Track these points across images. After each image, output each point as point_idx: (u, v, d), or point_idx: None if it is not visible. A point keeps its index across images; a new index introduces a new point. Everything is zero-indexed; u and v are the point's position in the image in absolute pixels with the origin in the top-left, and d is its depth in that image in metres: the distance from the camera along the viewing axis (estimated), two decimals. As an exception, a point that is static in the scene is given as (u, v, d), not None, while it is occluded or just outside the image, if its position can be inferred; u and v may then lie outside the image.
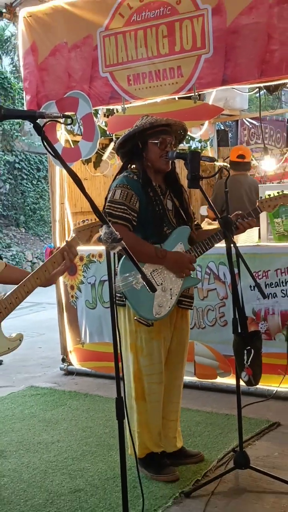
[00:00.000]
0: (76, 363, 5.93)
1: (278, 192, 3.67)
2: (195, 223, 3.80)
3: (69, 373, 5.93)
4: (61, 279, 5.82)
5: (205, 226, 5.46)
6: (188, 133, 6.28)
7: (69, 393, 5.36)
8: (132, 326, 3.56)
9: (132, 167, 3.66)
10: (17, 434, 4.47)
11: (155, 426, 3.64)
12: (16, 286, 2.56)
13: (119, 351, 2.58)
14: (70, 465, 3.90)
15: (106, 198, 3.57)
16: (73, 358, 5.95)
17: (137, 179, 3.53)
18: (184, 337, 3.78)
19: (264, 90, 5.23)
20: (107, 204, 3.46)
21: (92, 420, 4.65)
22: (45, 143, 2.50)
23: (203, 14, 4.66)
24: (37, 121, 2.46)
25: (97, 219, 2.74)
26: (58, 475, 3.76)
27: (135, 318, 3.50)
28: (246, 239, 5.03)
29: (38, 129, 2.46)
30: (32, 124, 2.50)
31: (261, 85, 4.87)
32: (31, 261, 15.45)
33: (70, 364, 5.95)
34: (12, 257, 14.97)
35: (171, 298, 3.50)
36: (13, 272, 2.62)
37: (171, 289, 3.49)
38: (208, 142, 7.04)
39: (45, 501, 3.44)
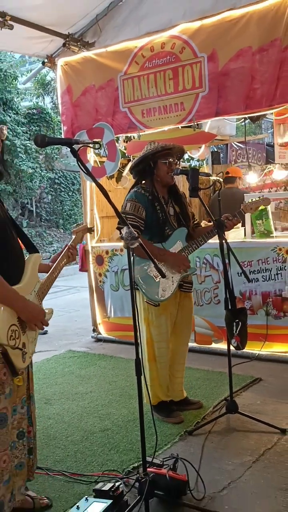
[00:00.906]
0: (103, 333, 5.93)
1: (259, 197, 3.68)
2: (195, 222, 3.79)
3: (98, 340, 5.93)
4: (92, 268, 5.83)
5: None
6: (189, 154, 6.30)
7: (98, 355, 5.37)
8: (145, 304, 3.58)
9: (142, 182, 3.66)
10: (59, 387, 4.49)
11: (164, 381, 3.65)
12: (46, 275, 2.59)
13: (137, 324, 2.59)
14: (100, 410, 3.91)
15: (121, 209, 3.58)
16: (101, 328, 5.96)
17: (145, 193, 3.55)
18: (188, 313, 3.78)
19: (248, 120, 5.18)
20: (122, 213, 3.48)
21: (116, 376, 4.66)
22: (79, 163, 2.49)
23: (201, 61, 4.64)
24: (73, 146, 2.46)
25: (84, 225, 2.87)
26: (91, 418, 3.78)
27: (145, 300, 3.52)
28: (234, 236, 5.02)
29: (74, 153, 2.46)
30: (69, 149, 2.50)
31: (246, 116, 4.84)
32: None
33: (99, 333, 5.96)
34: (54, 251, 15.01)
35: (172, 284, 3.52)
36: (42, 263, 2.64)
37: (172, 277, 3.52)
38: (204, 161, 7.01)
39: (81, 437, 3.47)
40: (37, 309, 2.41)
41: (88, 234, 5.88)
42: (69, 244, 2.76)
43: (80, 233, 2.91)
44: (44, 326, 2.47)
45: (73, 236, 2.89)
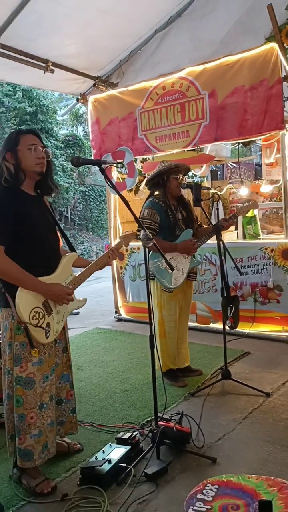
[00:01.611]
0: (123, 314, 5.92)
1: (249, 202, 3.68)
2: (198, 223, 3.78)
3: (119, 320, 5.92)
4: (115, 262, 5.84)
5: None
6: (193, 172, 6.25)
7: (119, 332, 5.37)
8: (158, 291, 3.57)
9: (155, 193, 3.65)
10: (88, 356, 4.50)
11: (172, 353, 3.65)
12: (82, 269, 2.54)
13: (151, 307, 2.59)
14: (121, 375, 3.91)
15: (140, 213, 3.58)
16: (122, 311, 5.94)
17: (159, 202, 3.54)
18: (189, 298, 3.77)
19: (241, 144, 5.13)
20: (140, 219, 3.46)
21: (133, 348, 4.66)
22: (106, 179, 2.50)
23: (203, 97, 4.62)
24: (102, 166, 2.47)
25: (133, 231, 2.77)
26: (113, 381, 3.79)
27: (161, 288, 3.51)
28: (229, 238, 5.00)
29: (102, 171, 2.46)
30: (97, 168, 2.50)
31: (239, 141, 4.79)
32: (95, 252, 15.49)
33: (120, 314, 5.95)
34: (84, 249, 15.05)
35: (182, 274, 3.50)
36: (81, 260, 2.61)
37: (182, 268, 3.50)
38: (205, 178, 6.96)
39: (106, 396, 3.48)
40: (59, 289, 2.33)
41: (111, 235, 5.95)
42: (110, 249, 2.64)
43: (127, 238, 2.74)
44: (72, 308, 2.47)
45: (118, 240, 2.75)
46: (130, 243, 2.64)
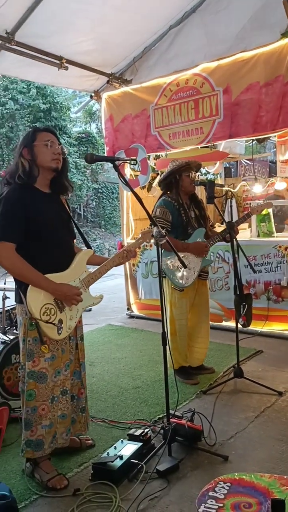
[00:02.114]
0: (135, 311, 5.93)
1: (263, 201, 3.64)
2: (211, 223, 3.77)
3: (131, 317, 5.93)
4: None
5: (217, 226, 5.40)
6: (206, 169, 6.22)
7: (131, 329, 5.38)
8: (169, 289, 3.56)
9: (168, 193, 3.64)
10: (101, 352, 4.51)
11: (183, 350, 3.64)
12: (97, 267, 2.54)
13: (163, 305, 2.59)
14: (132, 372, 3.92)
15: (152, 211, 3.57)
16: (134, 308, 5.95)
17: (171, 200, 3.53)
18: (205, 297, 3.75)
19: (255, 141, 5.10)
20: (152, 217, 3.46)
21: (145, 345, 4.66)
22: (120, 176, 2.50)
23: (217, 93, 4.59)
24: (115, 162, 2.47)
25: (150, 229, 2.71)
26: (125, 377, 3.80)
27: (172, 286, 3.51)
28: (242, 235, 4.96)
29: (116, 167, 2.46)
30: (110, 165, 2.50)
31: (254, 138, 4.76)
32: (108, 249, 15.54)
33: (132, 311, 5.96)
34: (97, 246, 15.09)
35: (194, 273, 3.49)
36: (96, 258, 2.61)
37: (194, 267, 3.49)
38: (218, 175, 6.92)
39: (118, 393, 3.49)
40: (67, 289, 2.32)
41: (124, 232, 5.96)
42: (124, 248, 2.63)
43: (147, 234, 2.69)
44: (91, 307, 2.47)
45: (140, 235, 2.70)
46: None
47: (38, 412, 2.32)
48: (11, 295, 3.32)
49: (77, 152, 15.13)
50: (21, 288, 2.29)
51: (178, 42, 5.06)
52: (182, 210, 3.52)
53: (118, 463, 2.34)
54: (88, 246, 2.62)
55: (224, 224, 3.47)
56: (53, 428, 2.37)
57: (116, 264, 2.58)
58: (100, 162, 2.51)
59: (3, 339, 3.21)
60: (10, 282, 3.59)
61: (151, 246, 5.54)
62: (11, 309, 3.64)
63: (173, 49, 5.10)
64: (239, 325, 3.45)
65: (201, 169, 4.19)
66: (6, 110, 13.36)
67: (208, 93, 4.67)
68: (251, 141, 5.32)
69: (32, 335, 2.30)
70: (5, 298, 3.40)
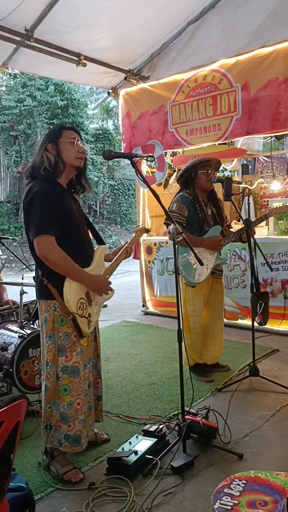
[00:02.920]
0: (151, 308, 5.94)
1: (282, 204, 3.59)
2: (228, 224, 3.75)
3: (146, 313, 5.95)
4: (143, 256, 5.85)
5: (233, 224, 5.38)
6: (223, 166, 6.19)
7: (146, 325, 5.39)
8: (184, 286, 3.57)
9: (185, 190, 3.63)
10: (116, 348, 4.54)
11: (197, 347, 3.64)
12: (109, 263, 2.58)
13: (179, 302, 2.59)
14: (147, 368, 3.93)
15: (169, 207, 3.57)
16: (149, 304, 5.96)
17: (188, 196, 3.52)
18: (220, 294, 3.74)
19: (274, 138, 5.05)
20: (168, 212, 3.46)
21: (160, 342, 4.66)
22: (137, 172, 2.50)
23: (235, 90, 4.56)
24: (133, 159, 2.47)
25: (144, 226, 2.79)
26: (140, 374, 3.81)
27: (184, 282, 3.51)
28: (260, 233, 4.93)
29: (133, 164, 2.46)
30: (126, 161, 2.50)
31: (272, 135, 4.72)
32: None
33: (147, 308, 5.97)
34: (112, 243, 15.14)
35: (207, 270, 3.49)
36: (107, 254, 2.65)
37: (207, 265, 3.49)
38: (235, 172, 6.88)
39: (133, 389, 3.50)
40: (101, 280, 2.41)
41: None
42: (128, 241, 2.71)
43: (139, 232, 2.88)
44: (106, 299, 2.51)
45: (133, 235, 2.85)
46: (159, 238, 2.66)
47: (74, 407, 2.36)
48: (28, 290, 3.37)
49: (93, 148, 15.19)
50: (54, 283, 2.29)
51: (196, 38, 5.03)
52: (198, 207, 3.51)
53: (133, 458, 2.36)
54: (101, 242, 2.64)
55: (241, 221, 3.45)
56: (87, 421, 2.42)
57: (122, 259, 2.65)
58: (116, 159, 2.51)
59: (20, 333, 3.25)
60: (27, 277, 3.64)
61: (167, 243, 5.53)
62: (29, 303, 3.68)
63: (191, 45, 5.07)
64: (256, 324, 3.43)
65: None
66: (24, 107, 13.47)
67: (226, 89, 4.64)
68: (269, 138, 5.26)
69: (63, 331, 2.33)
70: (22, 293, 3.43)
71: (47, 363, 2.37)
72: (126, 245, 2.67)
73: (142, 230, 2.93)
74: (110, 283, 2.47)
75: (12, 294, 4.07)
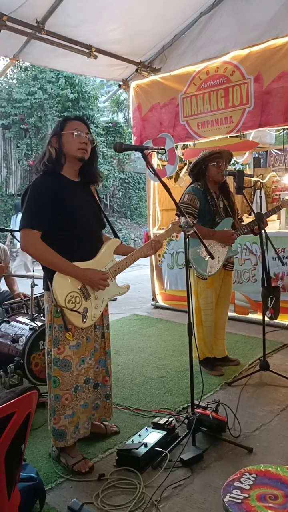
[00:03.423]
0: (160, 301, 5.94)
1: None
2: (239, 217, 3.72)
3: (156, 307, 5.95)
4: (153, 250, 5.83)
5: (244, 218, 5.34)
6: (235, 159, 6.14)
7: (156, 319, 5.39)
8: (195, 279, 3.55)
9: (197, 182, 3.60)
10: (126, 342, 4.55)
11: (208, 341, 3.63)
12: (124, 257, 2.54)
13: (190, 295, 2.58)
14: (157, 361, 3.94)
15: (180, 199, 3.55)
16: (159, 298, 5.97)
17: (200, 188, 3.50)
18: (229, 288, 3.73)
19: (286, 131, 4.99)
20: (180, 203, 3.44)
21: (170, 336, 4.66)
22: (148, 165, 2.48)
23: (248, 82, 4.50)
24: (144, 151, 2.45)
25: (177, 220, 2.68)
26: (150, 367, 3.82)
27: (195, 274, 3.50)
28: (271, 227, 4.89)
29: (144, 157, 2.45)
30: (137, 154, 2.49)
31: (285, 127, 4.66)
32: (133, 239, 15.58)
33: (157, 302, 5.97)
34: (122, 236, 15.14)
35: (218, 263, 3.47)
36: (124, 247, 2.61)
37: (218, 257, 3.47)
38: (247, 165, 6.82)
39: (142, 382, 3.51)
40: (94, 273, 2.33)
41: (150, 223, 5.95)
42: (152, 239, 2.63)
43: (176, 226, 2.70)
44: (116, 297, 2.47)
45: (170, 226, 2.69)
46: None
47: (62, 401, 2.35)
48: (39, 282, 3.39)
49: (104, 142, 15.17)
50: (48, 275, 2.31)
51: (208, 29, 4.98)
52: (210, 198, 3.49)
53: (142, 450, 2.37)
54: (116, 236, 2.62)
55: (253, 214, 3.43)
56: (75, 417, 2.40)
57: (144, 255, 2.58)
58: (127, 152, 2.50)
59: (31, 325, 3.27)
60: (39, 270, 3.65)
61: (177, 236, 5.50)
62: (39, 296, 3.70)
63: (203, 36, 5.02)
64: (266, 318, 3.41)
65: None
66: (35, 100, 13.48)
67: (239, 81, 4.58)
68: (282, 130, 5.20)
69: (58, 322, 2.33)
70: (33, 285, 3.45)
71: (48, 352, 2.41)
72: (150, 241, 2.59)
73: (175, 224, 2.68)
74: (106, 277, 2.38)
75: (23, 287, 4.11)
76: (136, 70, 5.62)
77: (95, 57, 5.02)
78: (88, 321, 2.37)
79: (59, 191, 2.32)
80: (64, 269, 2.28)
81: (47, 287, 2.37)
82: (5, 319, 3.45)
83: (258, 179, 6.06)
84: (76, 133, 2.36)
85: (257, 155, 7.89)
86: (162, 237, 2.65)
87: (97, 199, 2.57)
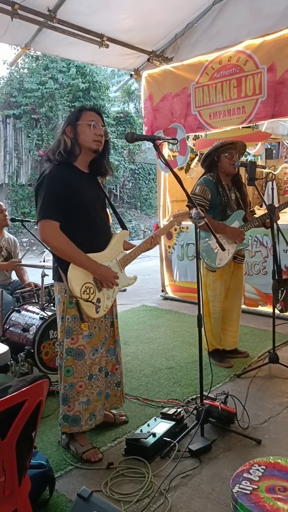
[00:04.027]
0: (170, 293, 5.94)
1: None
2: (251, 209, 3.69)
3: (166, 298, 5.95)
4: (163, 241, 5.84)
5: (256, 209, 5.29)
6: (247, 150, 6.08)
7: (165, 310, 5.40)
8: (204, 271, 3.55)
9: (209, 173, 3.58)
10: (135, 332, 4.56)
11: (217, 332, 3.63)
12: (130, 250, 2.55)
13: (200, 287, 2.57)
14: (166, 352, 3.95)
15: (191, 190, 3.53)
16: (168, 289, 5.96)
17: (212, 179, 3.47)
18: (240, 280, 3.72)
19: (300, 122, 4.94)
20: (191, 195, 3.42)
21: (179, 327, 4.66)
22: (160, 155, 2.46)
23: (261, 71, 4.44)
24: (156, 141, 2.43)
25: (186, 210, 2.69)
26: (159, 357, 3.83)
27: (205, 266, 3.49)
28: (283, 219, 4.82)
29: (156, 147, 2.43)
30: (147, 145, 2.47)
31: (298, 118, 4.62)
32: (143, 230, 15.56)
33: (166, 293, 5.97)
34: (132, 227, 15.13)
35: (228, 255, 3.47)
36: (126, 243, 2.62)
37: (228, 249, 3.45)
38: (259, 156, 6.75)
39: (151, 372, 3.53)
40: (107, 271, 2.35)
41: (160, 214, 5.93)
42: (152, 235, 2.63)
43: (180, 217, 2.70)
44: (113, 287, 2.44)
45: (172, 219, 2.71)
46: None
47: (76, 388, 2.38)
48: (50, 272, 3.40)
49: (114, 132, 15.10)
50: (62, 267, 2.31)
51: (221, 18, 4.91)
52: (221, 190, 3.47)
53: (151, 440, 2.38)
54: (124, 227, 2.62)
55: (264, 206, 3.40)
56: (91, 405, 2.42)
57: (145, 249, 2.59)
58: (137, 143, 2.47)
59: (42, 315, 3.29)
60: (49, 260, 3.67)
61: (187, 228, 5.50)
62: (50, 285, 3.72)
63: (216, 25, 4.95)
64: (276, 310, 3.39)
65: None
66: (46, 90, 13.44)
67: (252, 71, 4.52)
68: (295, 121, 5.13)
69: (71, 313, 2.34)
70: (44, 275, 3.47)
71: (60, 343, 2.42)
72: (150, 237, 2.61)
73: (184, 215, 2.69)
74: (117, 276, 2.40)
75: (33, 277, 4.13)
76: (148, 60, 5.57)
77: (107, 46, 4.98)
78: (101, 312, 2.39)
79: (73, 183, 2.32)
80: (80, 261, 2.28)
81: (58, 278, 2.38)
82: (16, 309, 3.47)
83: (270, 170, 6.01)
84: (93, 124, 2.34)
85: (269, 146, 7.81)
86: (165, 229, 2.68)
87: (103, 189, 2.56)
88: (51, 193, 2.26)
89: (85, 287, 2.30)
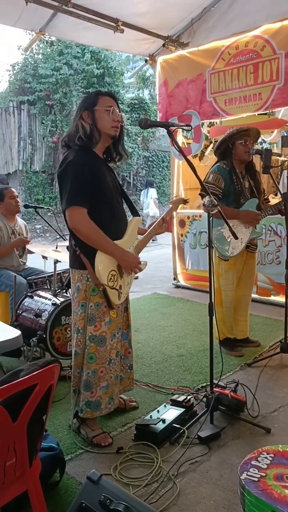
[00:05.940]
0: (182, 281, 5.94)
1: None
2: (265, 197, 3.65)
3: (177, 286, 5.95)
4: (175, 229, 5.82)
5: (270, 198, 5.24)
6: (262, 137, 5.99)
7: (177, 298, 5.40)
8: (217, 259, 3.53)
9: (223, 161, 3.53)
10: (146, 320, 4.58)
11: (228, 321, 3.63)
12: (143, 236, 2.57)
13: (212, 276, 2.56)
14: (177, 340, 3.96)
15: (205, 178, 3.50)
16: (180, 278, 5.96)
17: (225, 167, 3.43)
18: (252, 269, 3.69)
19: None
20: (204, 183, 3.40)
21: (190, 315, 4.67)
22: (174, 142, 2.44)
23: (279, 57, 4.35)
24: (170, 128, 2.40)
25: (181, 197, 2.73)
26: (169, 345, 3.85)
27: (217, 255, 3.47)
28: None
29: (170, 134, 2.40)
30: (161, 132, 2.45)
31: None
32: (156, 218, 15.54)
33: (178, 281, 5.97)
34: (146, 214, 15.11)
35: (241, 244, 3.44)
36: (139, 229, 2.63)
37: (241, 238, 3.43)
38: (275, 144, 6.65)
39: (162, 359, 3.54)
40: (132, 257, 2.40)
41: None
42: (163, 215, 2.68)
43: (176, 204, 2.82)
44: (137, 273, 2.51)
45: (170, 206, 2.79)
46: (193, 211, 2.62)
47: (98, 374, 2.41)
48: (62, 259, 3.42)
49: (129, 119, 15.00)
50: (88, 255, 2.30)
51: (239, 2, 4.81)
52: (235, 178, 3.43)
53: (160, 426, 2.40)
54: (136, 214, 2.61)
55: (279, 195, 3.35)
56: (110, 389, 2.46)
57: (156, 233, 2.63)
58: (151, 130, 2.45)
59: (54, 301, 3.32)
60: (61, 247, 3.68)
61: (200, 216, 5.47)
62: (62, 272, 3.74)
63: (233, 9, 4.85)
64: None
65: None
66: (61, 75, 13.38)
67: (269, 56, 4.43)
68: (313, 108, 5.02)
69: (94, 301, 2.36)
70: (56, 262, 3.49)
71: (78, 331, 2.41)
72: (158, 220, 2.64)
73: (179, 201, 2.85)
74: (140, 262, 2.45)
75: (47, 263, 4.15)
76: (163, 45, 5.49)
77: (122, 31, 4.92)
78: (122, 298, 2.44)
79: (95, 169, 2.31)
80: (108, 248, 2.29)
81: (79, 266, 2.36)
82: (28, 294, 3.51)
83: (286, 158, 5.92)
84: (111, 110, 2.33)
85: (285, 134, 7.67)
86: (167, 216, 2.69)
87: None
88: (77, 180, 2.24)
89: (111, 274, 2.33)
